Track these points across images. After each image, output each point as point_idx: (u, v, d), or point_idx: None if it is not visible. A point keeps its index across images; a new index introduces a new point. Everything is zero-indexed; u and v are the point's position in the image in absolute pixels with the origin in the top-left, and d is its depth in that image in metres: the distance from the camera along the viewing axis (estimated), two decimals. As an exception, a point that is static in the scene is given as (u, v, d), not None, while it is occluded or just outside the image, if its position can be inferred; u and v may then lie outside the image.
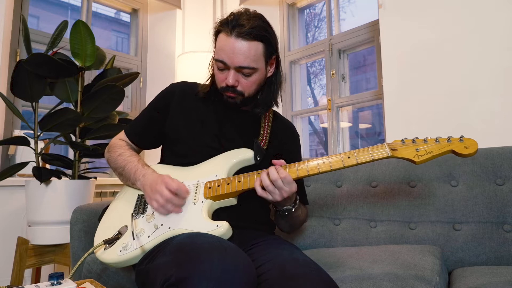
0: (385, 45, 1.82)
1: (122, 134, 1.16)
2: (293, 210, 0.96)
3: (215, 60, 0.98)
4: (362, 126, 2.95)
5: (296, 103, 2.65)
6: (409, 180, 1.26)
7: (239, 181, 0.91)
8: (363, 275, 0.87)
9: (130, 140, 1.13)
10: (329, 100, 2.35)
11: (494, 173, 1.15)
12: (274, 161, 0.91)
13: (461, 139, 0.84)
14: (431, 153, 0.84)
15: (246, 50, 0.93)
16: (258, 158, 0.98)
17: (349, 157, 0.86)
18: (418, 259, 0.95)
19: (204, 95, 1.07)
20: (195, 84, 1.12)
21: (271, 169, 0.87)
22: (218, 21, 0.98)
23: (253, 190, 0.91)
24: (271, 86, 1.06)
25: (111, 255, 0.89)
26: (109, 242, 0.92)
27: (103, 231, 0.99)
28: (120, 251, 0.88)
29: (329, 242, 1.31)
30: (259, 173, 0.91)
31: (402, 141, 0.88)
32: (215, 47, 1.00)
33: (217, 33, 0.99)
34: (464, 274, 0.96)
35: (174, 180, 0.92)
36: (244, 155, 0.98)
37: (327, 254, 1.11)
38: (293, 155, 1.14)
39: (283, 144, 1.11)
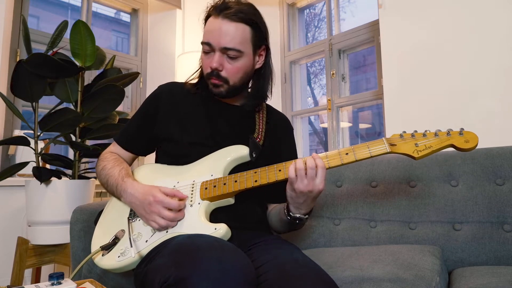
0: (385, 45, 1.82)
1: (111, 146, 1.12)
2: (304, 220, 0.93)
3: (202, 43, 0.97)
4: (362, 126, 2.95)
5: (296, 103, 2.66)
6: (409, 180, 1.26)
7: (236, 181, 0.89)
8: (363, 275, 0.87)
9: (122, 146, 1.09)
10: (329, 100, 2.35)
11: (494, 173, 1.15)
12: (314, 155, 0.88)
13: (461, 132, 0.82)
14: (431, 148, 0.82)
15: (232, 31, 0.93)
16: (254, 155, 0.96)
17: (347, 154, 0.85)
18: (418, 259, 0.95)
19: (193, 89, 1.05)
20: (184, 84, 1.10)
21: (310, 158, 0.85)
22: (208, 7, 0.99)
23: (250, 190, 0.90)
24: (260, 78, 1.04)
25: (109, 261, 0.88)
26: (107, 248, 0.90)
27: (100, 235, 0.97)
28: (119, 257, 0.87)
29: (329, 242, 1.31)
30: (255, 172, 0.89)
31: (401, 135, 0.86)
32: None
33: (207, 17, 0.98)
34: (464, 274, 0.96)
35: (163, 192, 0.88)
36: (239, 152, 0.95)
37: (327, 254, 1.11)
38: (288, 148, 1.12)
39: (279, 138, 1.10)
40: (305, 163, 0.83)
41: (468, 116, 1.53)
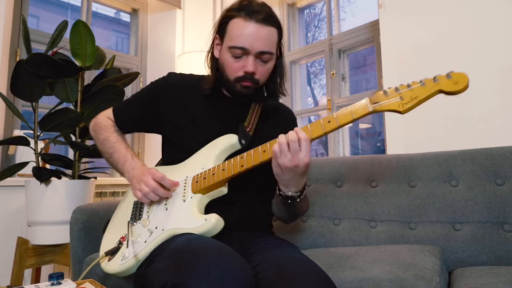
0: (385, 45, 1.81)
1: (109, 112, 1.12)
2: (298, 200, 0.89)
3: (232, 47, 0.94)
4: (362, 126, 2.95)
5: (296, 103, 2.66)
6: (409, 180, 1.26)
7: (223, 169, 0.88)
8: (363, 275, 0.87)
9: (117, 123, 1.10)
10: (329, 100, 2.35)
11: (494, 173, 1.15)
12: (296, 128, 0.85)
13: (448, 75, 0.76)
14: (417, 98, 0.76)
15: (267, 35, 0.94)
16: (243, 142, 0.95)
17: (329, 122, 0.82)
18: (418, 259, 0.95)
19: (209, 91, 1.02)
20: (192, 77, 1.09)
21: (292, 131, 0.82)
22: (227, 8, 0.97)
23: (246, 185, 0.89)
24: (276, 74, 1.04)
25: (114, 266, 0.90)
26: (111, 253, 0.92)
27: (107, 242, 1.00)
28: (121, 260, 0.89)
29: (329, 242, 1.31)
30: (242, 157, 0.87)
31: (385, 91, 0.80)
32: (224, 35, 0.97)
33: (228, 19, 0.96)
34: (464, 274, 0.95)
35: (160, 172, 0.92)
36: (227, 141, 0.95)
37: (327, 254, 1.11)
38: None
39: (277, 127, 1.05)
40: (287, 137, 0.81)
41: (468, 116, 1.53)
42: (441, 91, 0.76)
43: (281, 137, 0.82)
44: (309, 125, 0.83)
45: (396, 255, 0.99)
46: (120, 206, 1.09)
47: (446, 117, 1.60)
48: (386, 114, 1.79)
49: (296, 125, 1.15)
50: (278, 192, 0.91)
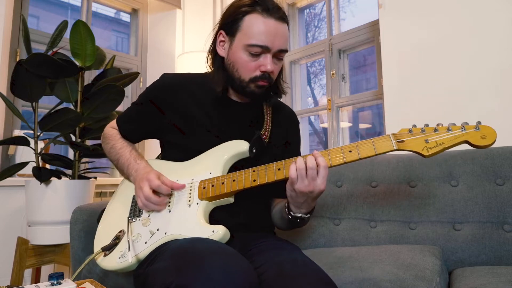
0: (385, 45, 1.81)
1: (114, 123, 1.12)
2: (305, 219, 0.90)
3: (252, 45, 0.89)
4: (362, 126, 2.95)
5: (296, 103, 2.66)
6: (409, 180, 1.26)
7: (234, 180, 0.87)
8: (363, 275, 0.87)
9: (120, 132, 1.09)
10: (329, 100, 2.35)
11: (494, 173, 1.15)
12: (315, 153, 0.84)
13: (477, 127, 0.75)
14: (442, 144, 0.75)
15: (285, 33, 0.92)
16: (254, 151, 0.93)
17: (350, 151, 0.81)
18: (418, 259, 0.95)
19: (221, 93, 0.98)
20: (188, 76, 1.05)
21: (311, 156, 0.81)
22: (235, 4, 0.93)
23: (250, 190, 0.88)
24: (281, 72, 1.02)
25: (111, 263, 0.89)
26: (107, 249, 0.91)
27: (102, 235, 0.98)
28: (119, 258, 0.87)
29: (329, 242, 1.31)
30: (254, 171, 0.86)
31: (410, 130, 0.79)
32: (236, 31, 0.92)
33: (241, 15, 0.91)
34: (464, 274, 0.96)
35: (159, 177, 0.90)
36: (238, 148, 0.92)
37: (327, 254, 1.11)
38: (293, 144, 1.11)
39: (286, 133, 1.07)
40: (306, 162, 0.80)
41: (468, 116, 1.52)
42: (467, 142, 0.75)
43: (300, 162, 0.80)
44: (329, 151, 0.83)
45: (396, 255, 0.99)
46: (116, 197, 1.06)
47: (446, 118, 1.59)
48: (386, 113, 1.79)
49: (299, 129, 1.15)
50: (287, 210, 0.91)
